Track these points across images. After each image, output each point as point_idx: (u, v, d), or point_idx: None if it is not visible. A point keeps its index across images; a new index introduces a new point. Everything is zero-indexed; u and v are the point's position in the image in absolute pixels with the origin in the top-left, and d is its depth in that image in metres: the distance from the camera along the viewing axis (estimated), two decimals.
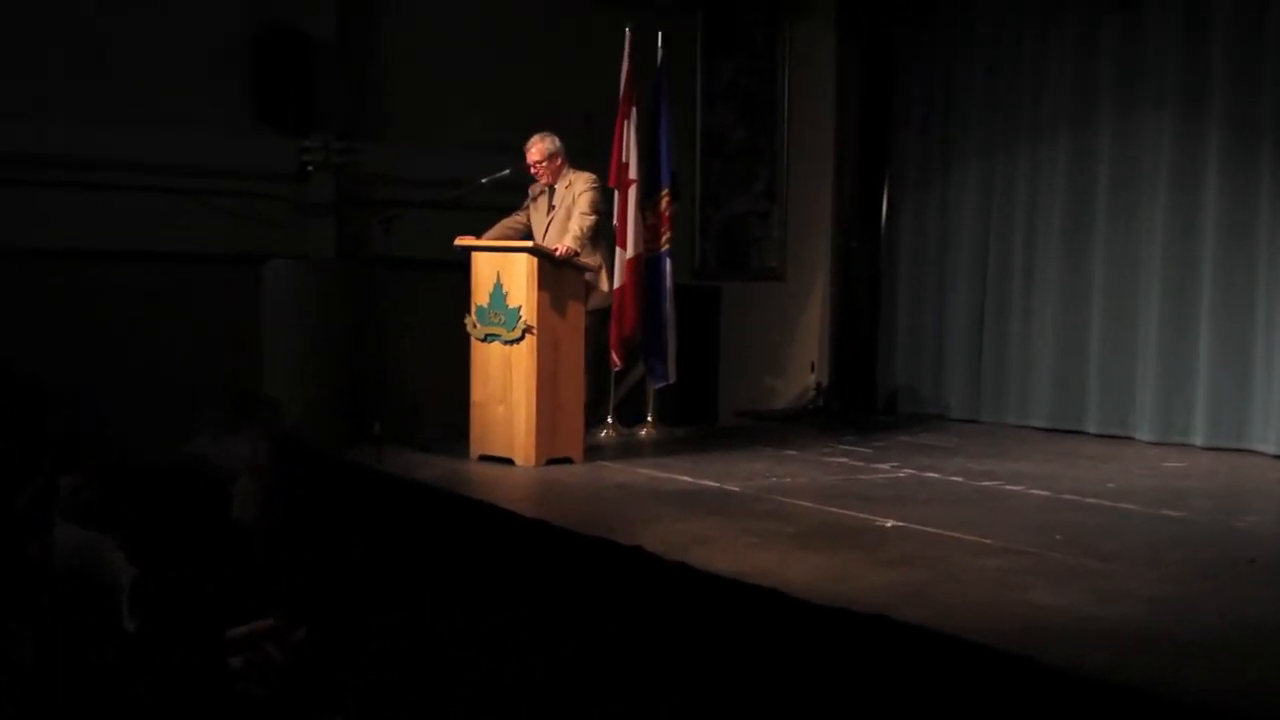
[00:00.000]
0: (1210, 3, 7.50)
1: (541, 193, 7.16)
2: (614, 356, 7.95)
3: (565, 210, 6.98)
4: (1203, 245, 7.55)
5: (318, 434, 7.75)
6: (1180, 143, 7.65)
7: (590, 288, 6.95)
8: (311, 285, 8.54)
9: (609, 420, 8.02)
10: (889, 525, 5.11)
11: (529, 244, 6.70)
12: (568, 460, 6.71)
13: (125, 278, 8.16)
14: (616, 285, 7.71)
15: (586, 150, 7.46)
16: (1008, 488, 6.10)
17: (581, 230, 6.80)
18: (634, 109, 7.96)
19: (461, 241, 6.81)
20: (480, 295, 6.72)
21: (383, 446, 6.67)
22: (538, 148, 7.04)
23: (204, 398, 7.91)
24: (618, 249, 7.76)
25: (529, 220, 7.18)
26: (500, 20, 9.43)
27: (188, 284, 8.36)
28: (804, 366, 9.73)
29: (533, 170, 7.07)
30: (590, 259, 6.92)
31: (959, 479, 6.36)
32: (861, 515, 5.32)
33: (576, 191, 6.99)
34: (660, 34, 8.16)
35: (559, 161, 7.07)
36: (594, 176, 7.09)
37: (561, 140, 7.11)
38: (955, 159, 9.10)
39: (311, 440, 7.51)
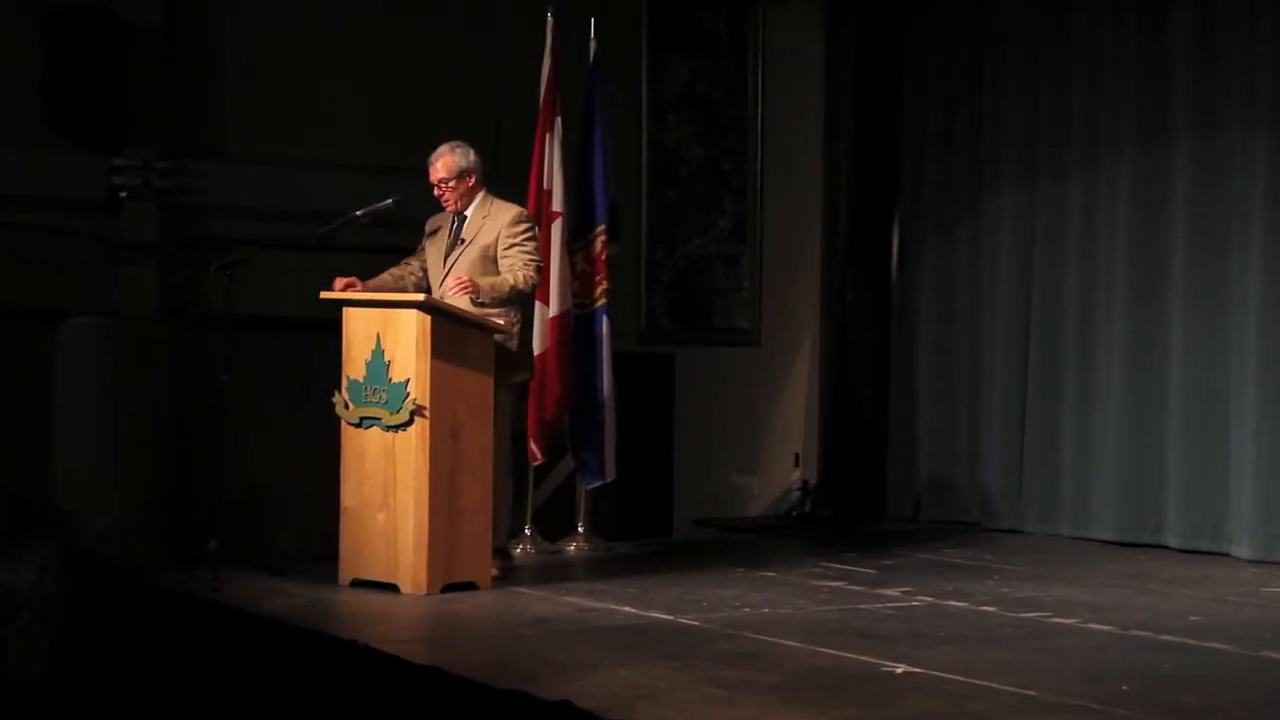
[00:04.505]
0: None
1: (444, 224, 7.11)
2: (533, 447, 7.97)
3: (480, 249, 6.94)
4: None
5: (130, 554, 7.67)
6: None
7: (502, 354, 6.96)
8: (124, 351, 8.50)
9: (526, 532, 8.02)
10: (899, 671, 5.13)
11: (419, 297, 6.72)
12: (471, 586, 6.69)
13: None
14: (536, 352, 7.75)
15: (495, 173, 7.52)
16: (1057, 621, 6.14)
17: (524, 281, 6.85)
18: (558, 120, 8.04)
19: (330, 294, 6.81)
20: (354, 365, 6.73)
21: (220, 569, 6.61)
22: (444, 162, 7.02)
23: None
24: (538, 305, 7.80)
25: (426, 265, 7.15)
26: (381, 1, 9.51)
27: None
28: (786, 460, 9.77)
29: (436, 192, 7.02)
30: (501, 317, 6.92)
31: (992, 609, 6.39)
32: (863, 658, 5.34)
33: (503, 226, 6.94)
34: (593, 21, 8.27)
35: (471, 181, 7.05)
36: (526, 212, 7.17)
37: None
38: (987, 189, 9.23)
39: (121, 562, 7.43)
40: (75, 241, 8.70)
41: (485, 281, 6.80)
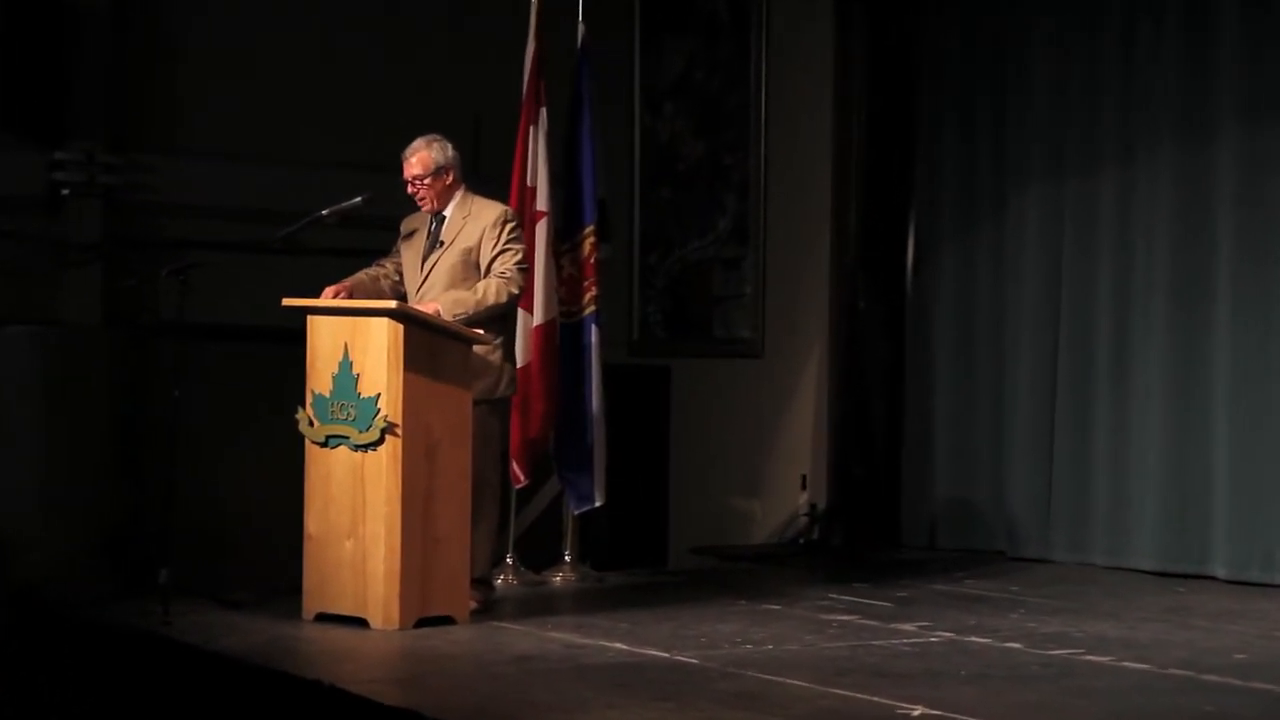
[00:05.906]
0: None
1: (421, 226, 7.11)
2: (515, 468, 7.96)
3: (461, 252, 6.94)
4: None
5: (72, 585, 7.66)
6: None
7: (484, 367, 6.96)
8: (66, 363, 8.49)
9: (508, 561, 8.01)
10: (916, 714, 5.13)
11: (390, 304, 6.71)
12: (447, 620, 6.68)
13: None
14: (520, 364, 7.75)
15: (474, 170, 7.53)
16: (1089, 659, 6.13)
17: (504, 295, 6.84)
18: (543, 111, 8.04)
19: (293, 301, 6.80)
20: (320, 379, 6.72)
21: (171, 602, 6.60)
22: (419, 157, 7.01)
23: None
24: (521, 313, 7.80)
25: (401, 268, 7.15)
26: None
27: None
28: (792, 482, 9.77)
29: (411, 190, 7.02)
30: (482, 326, 6.91)
31: (1018, 645, 6.39)
32: (877, 699, 5.33)
33: (486, 227, 6.94)
34: (580, 3, 8.27)
35: (449, 179, 7.05)
36: (512, 210, 7.17)
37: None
38: (1011, 187, 9.23)
39: (63, 595, 7.42)
40: (12, 243, 8.69)
41: (450, 308, 6.77)
